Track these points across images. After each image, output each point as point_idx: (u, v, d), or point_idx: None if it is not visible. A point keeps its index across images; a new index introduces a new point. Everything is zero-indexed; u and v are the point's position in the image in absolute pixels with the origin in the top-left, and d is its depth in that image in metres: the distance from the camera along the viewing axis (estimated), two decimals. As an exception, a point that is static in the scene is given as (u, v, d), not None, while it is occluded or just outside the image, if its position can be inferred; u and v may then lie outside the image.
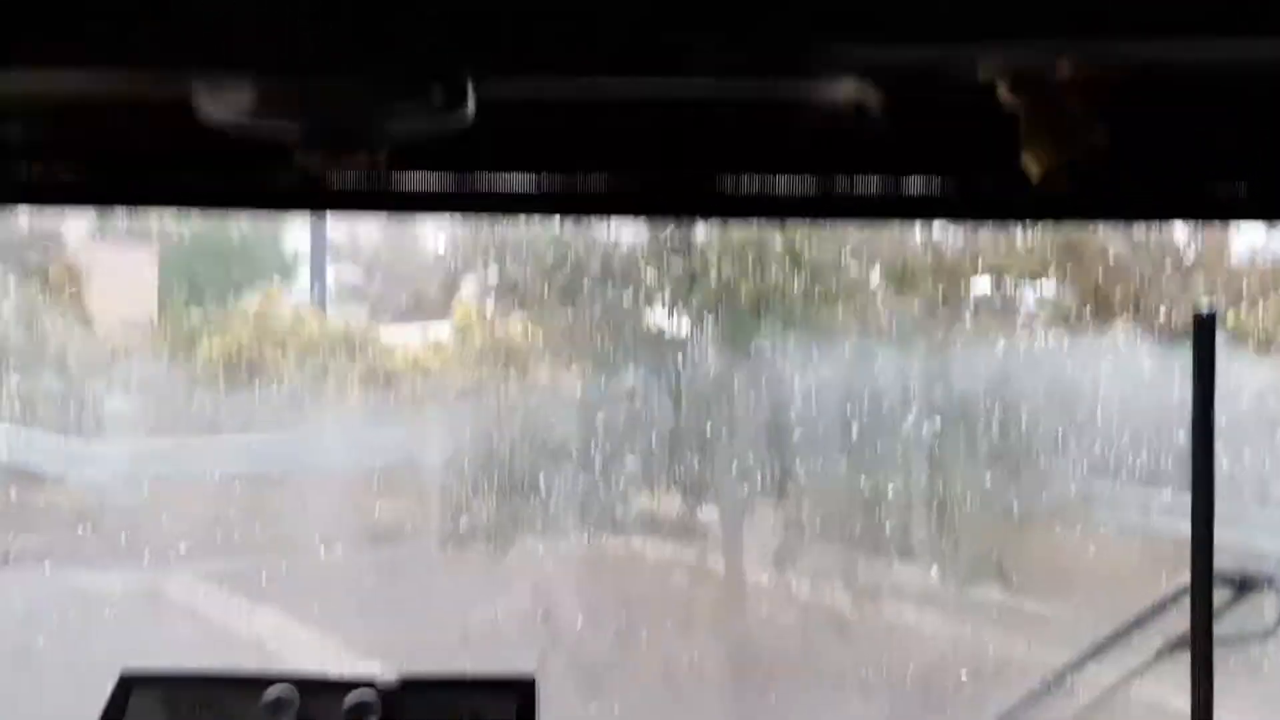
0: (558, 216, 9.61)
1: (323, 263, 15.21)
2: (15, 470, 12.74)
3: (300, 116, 1.47)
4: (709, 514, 12.40)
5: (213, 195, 1.98)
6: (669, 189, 1.92)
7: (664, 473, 12.22)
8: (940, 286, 12.78)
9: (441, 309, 13.84)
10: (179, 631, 11.89)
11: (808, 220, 10.17)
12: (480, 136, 1.60)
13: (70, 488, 12.80)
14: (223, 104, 1.45)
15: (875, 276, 13.09)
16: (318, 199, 2.02)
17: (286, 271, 16.05)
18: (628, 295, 12.68)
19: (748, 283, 12.30)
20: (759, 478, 11.94)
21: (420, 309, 14.29)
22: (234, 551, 12.17)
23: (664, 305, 12.81)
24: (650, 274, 12.88)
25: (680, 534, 12.25)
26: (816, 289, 12.48)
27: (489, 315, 13.45)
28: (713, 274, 12.44)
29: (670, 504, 12.35)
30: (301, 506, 12.36)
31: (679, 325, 12.75)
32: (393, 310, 14.83)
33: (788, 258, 12.41)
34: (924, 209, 1.86)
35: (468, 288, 13.84)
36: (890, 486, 11.52)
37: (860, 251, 12.86)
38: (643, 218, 10.36)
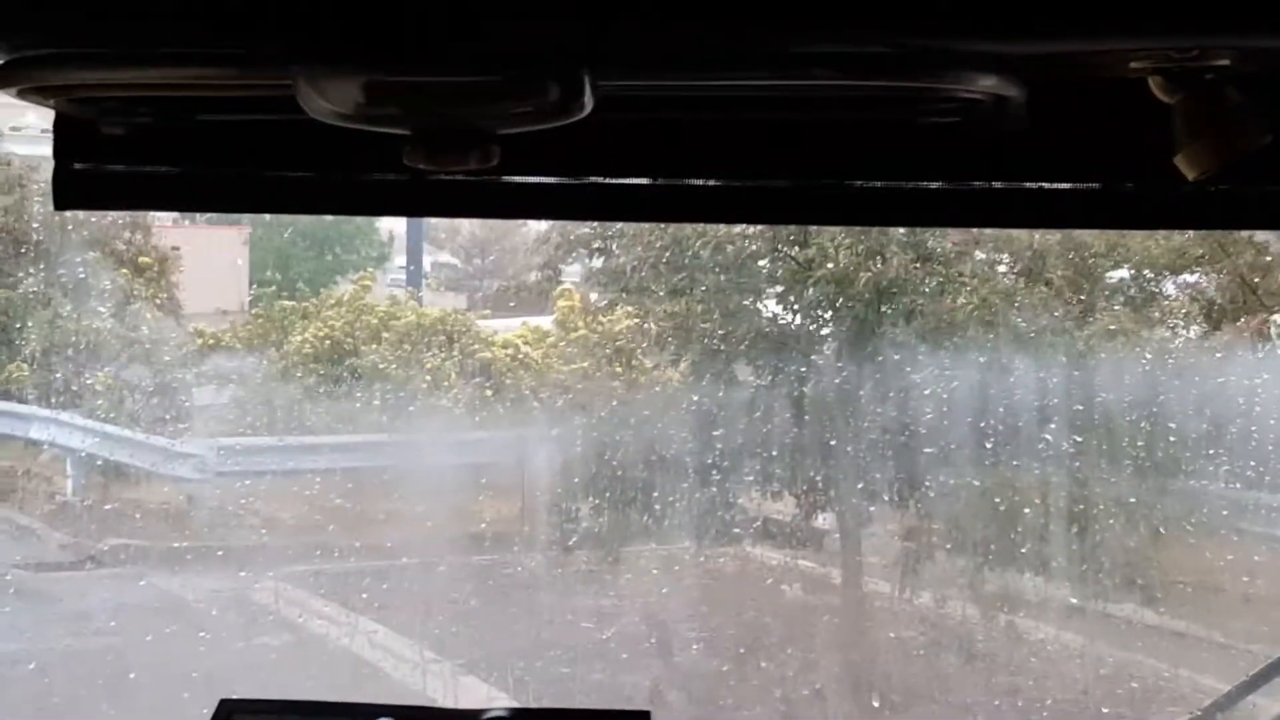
0: (671, 220, 9.10)
1: (419, 248, 14.66)
2: (103, 467, 12.31)
3: (409, 114, 1.41)
4: (828, 522, 11.71)
5: (315, 195, 1.93)
6: (793, 193, 1.84)
7: (780, 478, 11.54)
8: (1073, 275, 11.97)
9: (542, 298, 13.22)
10: (269, 640, 11.39)
11: (941, 225, 9.52)
12: (593, 136, 1.55)
13: (158, 486, 12.36)
14: (327, 100, 1.39)
15: (1003, 265, 12.32)
16: (425, 200, 1.97)
17: (381, 256, 15.54)
18: (741, 286, 11.98)
19: (867, 273, 11.55)
20: (883, 486, 11.23)
21: (520, 297, 13.67)
22: (327, 556, 11.66)
23: (779, 297, 12.10)
24: (764, 264, 12.19)
25: (798, 543, 11.57)
26: (940, 279, 11.71)
27: (593, 306, 12.82)
28: (830, 264, 11.71)
29: (787, 511, 11.67)
30: (399, 509, 11.80)
31: (795, 318, 12.04)
32: (491, 298, 14.24)
33: (910, 246, 11.65)
34: (1068, 214, 1.79)
35: (570, 276, 13.20)
36: (1026, 496, 10.76)
37: (986, 238, 12.08)
38: (765, 224, 9.69)
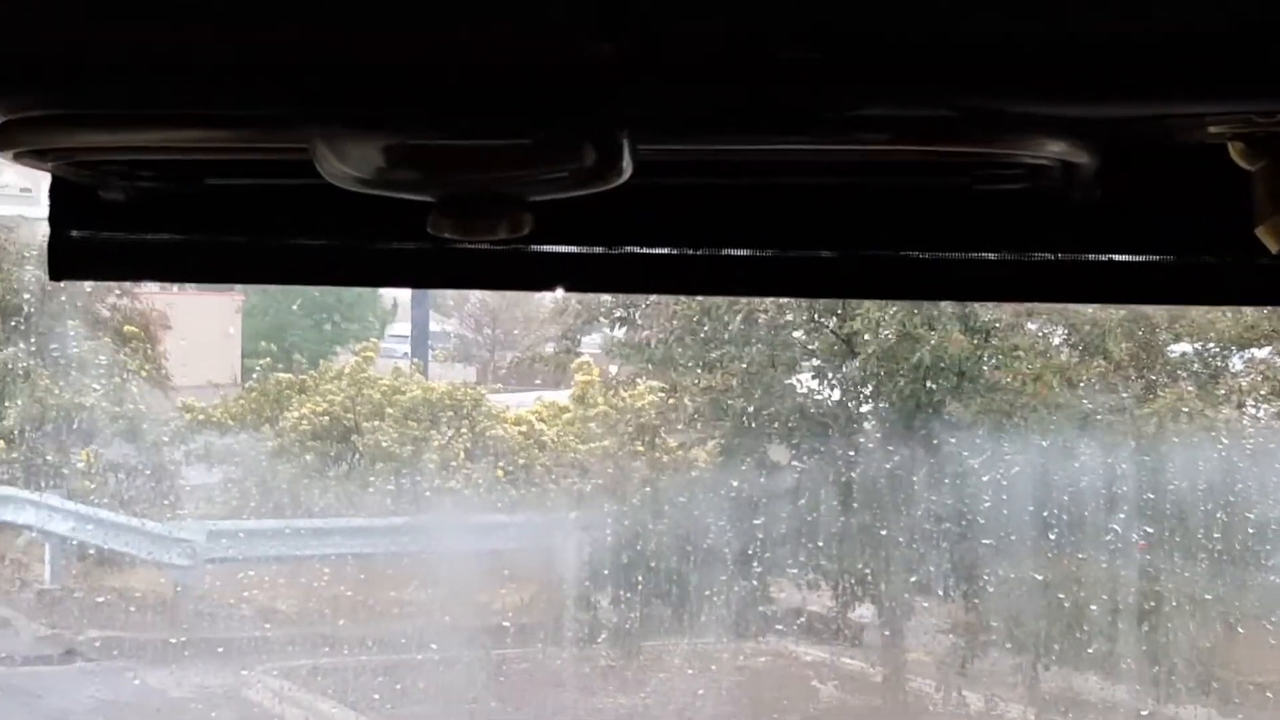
0: (713, 294, 8.49)
1: (425, 316, 13.84)
2: (86, 552, 11.45)
3: (434, 179, 1.29)
4: (868, 616, 10.84)
5: (331, 265, 1.74)
6: (843, 265, 1.68)
7: (818, 568, 10.69)
8: (1134, 348, 11.18)
9: (559, 371, 12.39)
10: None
11: (1002, 300, 8.89)
12: (630, 203, 1.42)
13: (145, 573, 11.49)
14: (346, 164, 1.28)
15: (1058, 338, 11.52)
16: (449, 271, 1.79)
17: (383, 323, 14.73)
18: (775, 360, 11.17)
19: (913, 346, 10.75)
20: (931, 577, 10.39)
21: (534, 371, 12.84)
22: (329, 649, 10.80)
23: (816, 372, 11.29)
24: (800, 335, 11.39)
25: (837, 638, 10.70)
26: (993, 353, 10.91)
27: (613, 380, 11.99)
28: (871, 336, 10.91)
29: (824, 604, 10.81)
30: (407, 599, 10.97)
31: (833, 395, 11.22)
32: (503, 372, 13.40)
33: (959, 318, 10.86)
34: (1140, 289, 1.66)
35: (589, 347, 12.39)
36: (1086, 587, 9.93)
37: (1040, 309, 11.28)
38: (812, 297, 9.01)
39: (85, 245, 1.79)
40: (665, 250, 1.71)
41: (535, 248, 1.68)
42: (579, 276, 1.86)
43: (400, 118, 1.28)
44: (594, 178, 1.30)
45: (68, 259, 1.80)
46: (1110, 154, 1.37)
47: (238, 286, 13.97)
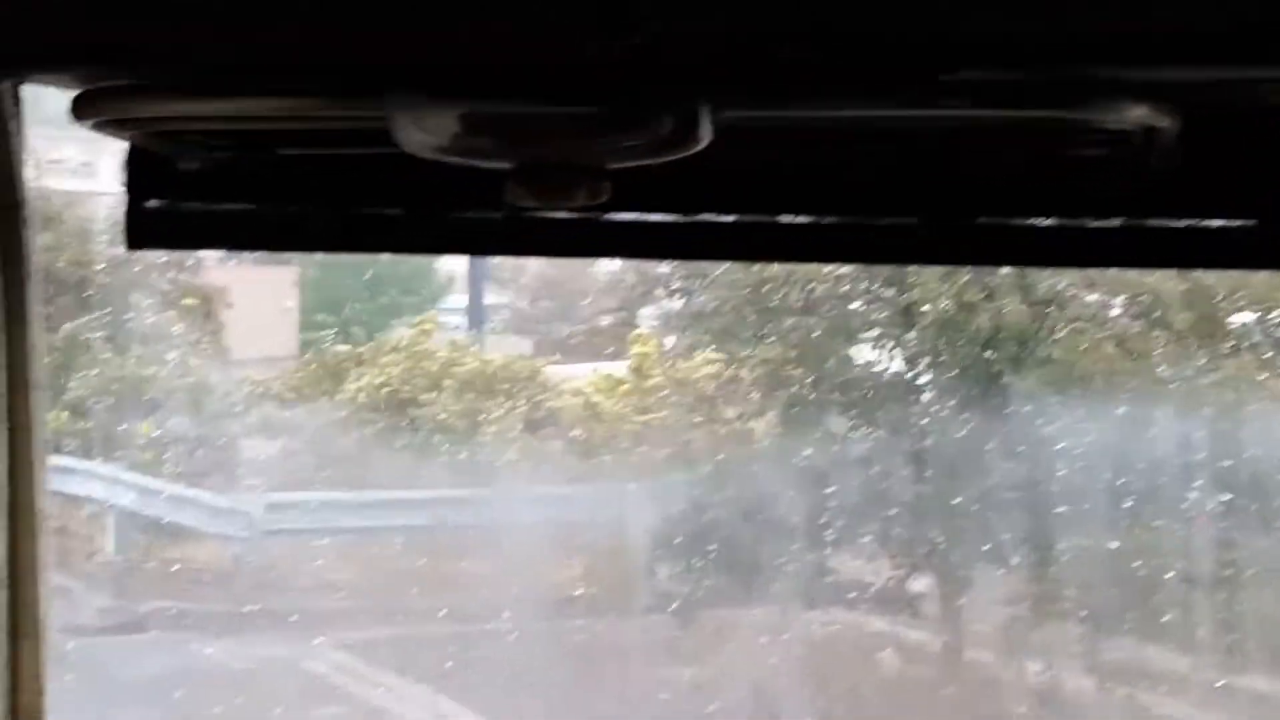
0: (792, 261, 8.48)
1: (481, 287, 13.85)
2: (149, 525, 11.53)
3: (511, 147, 1.30)
4: (927, 584, 10.80)
5: (407, 234, 1.80)
6: (922, 232, 1.67)
7: (881, 539, 10.66)
8: (1195, 318, 11.08)
9: (616, 342, 12.37)
10: (323, 713, 10.56)
11: (1081, 266, 8.84)
12: (707, 170, 1.44)
13: (206, 545, 11.57)
14: (424, 132, 1.29)
15: (1116, 308, 11.43)
16: (524, 239, 1.81)
17: (439, 295, 14.75)
18: (832, 330, 11.13)
19: (973, 316, 10.69)
20: (992, 546, 10.33)
21: (591, 343, 12.83)
22: (386, 621, 10.84)
23: (874, 342, 11.24)
24: (857, 306, 11.34)
25: (898, 607, 10.67)
26: (1051, 323, 10.84)
27: (671, 351, 11.97)
28: (930, 306, 10.85)
29: (884, 573, 10.77)
30: (464, 569, 11.00)
31: (892, 366, 11.17)
32: (560, 343, 13.40)
33: (1018, 288, 10.78)
34: (1223, 254, 1.62)
35: (645, 319, 12.37)
36: (1154, 556, 9.86)
37: (1099, 279, 11.19)
38: (892, 264, 8.97)
39: (161, 215, 1.83)
40: (741, 218, 1.71)
41: (609, 216, 1.70)
42: (654, 244, 1.83)
43: (479, 86, 1.27)
44: (672, 145, 1.30)
45: (144, 228, 1.86)
46: (1193, 118, 1.36)
47: (295, 260, 14.00)
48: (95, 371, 11.27)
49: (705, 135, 1.30)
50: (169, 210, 1.84)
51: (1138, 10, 1.21)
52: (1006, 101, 1.31)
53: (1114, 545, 9.99)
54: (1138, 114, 1.32)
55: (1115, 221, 1.63)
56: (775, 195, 1.70)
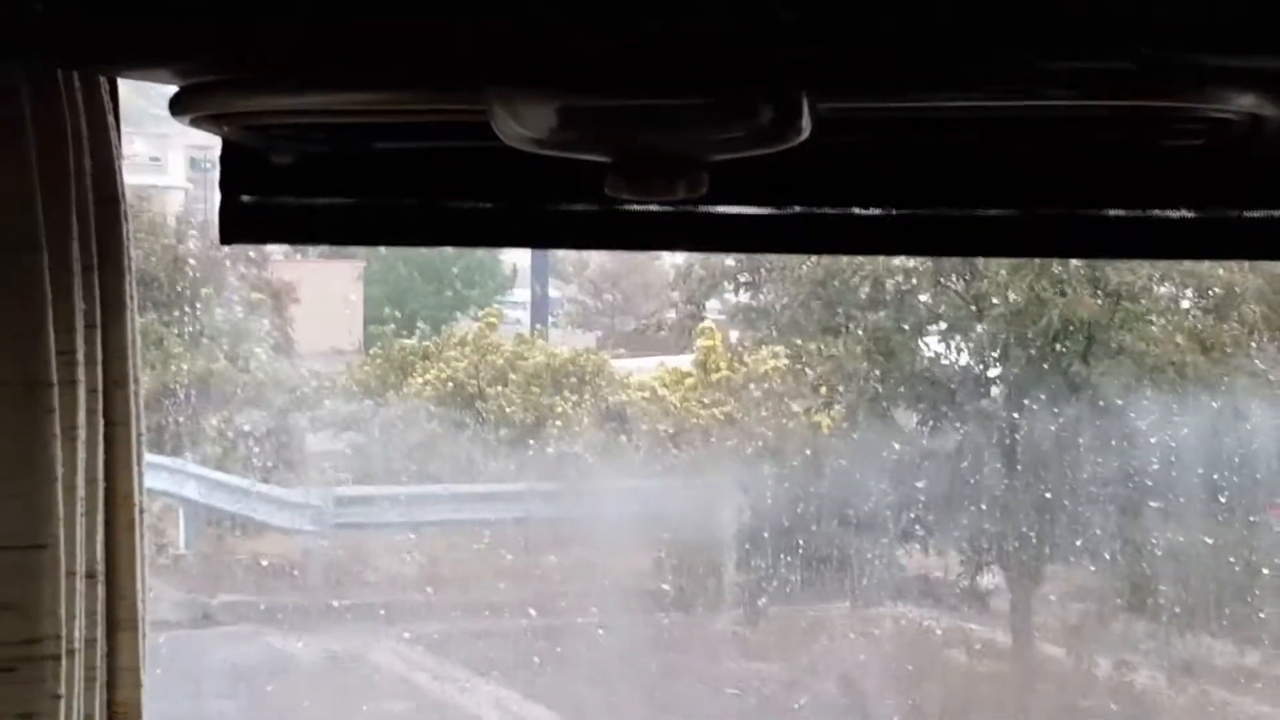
0: (887, 253, 8.45)
1: (545, 282, 13.87)
2: (218, 518, 11.59)
3: (611, 140, 1.29)
4: (997, 580, 10.72)
5: (502, 226, 1.79)
6: (1022, 223, 1.65)
7: (946, 532, 10.59)
8: (1265, 311, 10.95)
9: (684, 336, 12.34)
10: (391, 706, 10.59)
11: (1182, 258, 8.76)
12: (801, 163, 1.41)
13: (274, 538, 11.62)
14: (522, 124, 1.26)
15: (1187, 300, 11.31)
16: (620, 232, 1.80)
17: (502, 288, 14.77)
18: (901, 324, 11.06)
19: (1042, 309, 10.60)
20: (1063, 541, 10.24)
21: (656, 337, 12.81)
22: (455, 614, 10.85)
23: (943, 336, 11.17)
24: (925, 298, 11.27)
25: (969, 603, 10.59)
26: (1122, 315, 10.73)
27: (738, 345, 11.93)
28: (1000, 299, 10.77)
29: (954, 569, 10.70)
30: (532, 564, 10.98)
31: (960, 359, 11.09)
32: (624, 337, 13.39)
33: (1090, 280, 10.68)
34: None
35: (711, 313, 12.33)
36: (1225, 552, 9.75)
37: (1171, 271, 11.08)
38: (993, 256, 8.91)
39: (255, 209, 1.84)
40: (837, 210, 1.69)
41: (703, 208, 1.68)
42: (748, 237, 1.83)
43: (576, 79, 1.25)
44: (773, 137, 1.29)
45: (238, 222, 1.87)
46: None
47: (359, 253, 14.05)
48: (167, 365, 11.34)
49: (806, 127, 1.28)
50: (263, 205, 1.84)
51: None
52: (1112, 91, 1.28)
53: (1194, 539, 9.89)
54: (1244, 102, 1.29)
55: (1215, 212, 1.60)
56: (868, 188, 1.68)
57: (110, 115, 1.77)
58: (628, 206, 1.66)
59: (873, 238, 1.81)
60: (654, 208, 1.70)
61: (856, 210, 1.69)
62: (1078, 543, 10.19)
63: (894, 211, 1.69)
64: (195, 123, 1.55)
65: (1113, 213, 1.64)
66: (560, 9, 1.25)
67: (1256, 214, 1.61)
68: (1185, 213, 1.62)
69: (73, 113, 1.69)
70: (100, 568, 1.89)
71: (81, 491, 1.83)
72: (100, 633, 1.90)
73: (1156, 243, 1.71)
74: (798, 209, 1.71)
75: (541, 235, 2.02)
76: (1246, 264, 10.29)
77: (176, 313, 11.65)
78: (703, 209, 1.70)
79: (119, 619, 1.93)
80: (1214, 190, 1.60)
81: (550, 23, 1.25)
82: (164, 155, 12.52)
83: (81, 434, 1.82)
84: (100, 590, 1.89)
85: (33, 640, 1.75)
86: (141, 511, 1.96)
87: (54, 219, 1.72)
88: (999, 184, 1.65)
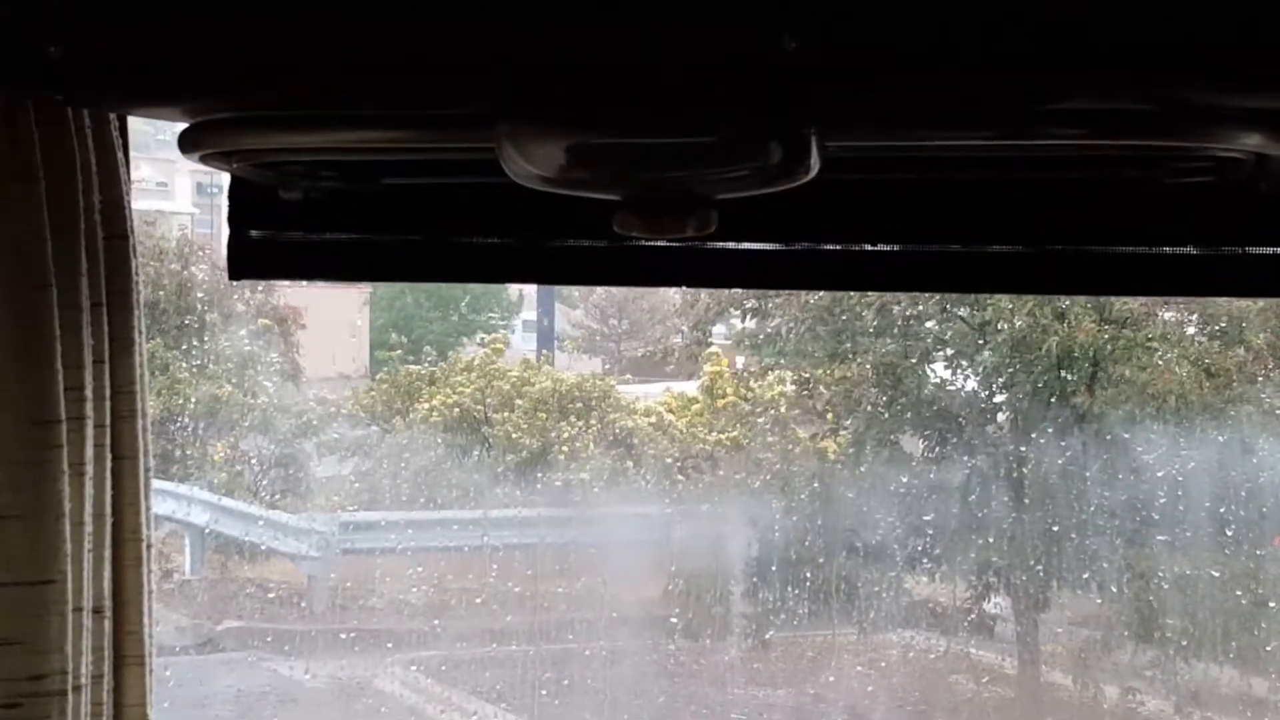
0: (896, 290, 8.44)
1: (551, 307, 13.88)
2: (221, 543, 11.58)
3: (620, 178, 1.29)
4: (1001, 607, 10.70)
5: (511, 263, 1.78)
6: (1030, 260, 1.66)
7: (951, 558, 10.57)
8: (1270, 339, 10.94)
9: (690, 362, 12.34)
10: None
11: (1188, 295, 8.78)
12: (810, 200, 1.42)
13: (280, 564, 11.60)
14: (532, 162, 1.27)
15: (1191, 326, 11.30)
16: (628, 269, 1.81)
17: (508, 314, 14.79)
18: (907, 350, 11.06)
19: (1045, 336, 10.60)
20: (1067, 568, 10.22)
21: (662, 362, 12.80)
22: (459, 641, 10.83)
23: (949, 362, 11.16)
24: (932, 325, 11.26)
25: (975, 630, 10.57)
26: (1125, 343, 10.72)
27: (744, 371, 11.93)
28: (1005, 326, 10.77)
29: (960, 595, 10.67)
30: (538, 589, 10.95)
31: (967, 385, 11.08)
32: (631, 362, 13.39)
33: (1094, 308, 10.68)
34: None
35: (717, 339, 12.33)
36: (1232, 582, 9.73)
37: (1175, 299, 11.07)
38: (999, 292, 8.93)
39: (264, 245, 1.84)
40: (844, 247, 1.70)
41: (712, 244, 1.69)
42: (756, 273, 1.83)
43: (588, 117, 1.26)
44: (782, 175, 1.29)
45: (247, 258, 1.86)
46: None
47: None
48: (172, 392, 11.34)
49: (814, 165, 1.29)
50: (272, 240, 1.84)
51: (1255, 39, 1.19)
52: (1121, 131, 1.29)
53: (1193, 569, 9.87)
54: (1251, 141, 1.30)
55: (1221, 249, 1.61)
56: (876, 225, 1.69)
57: (120, 153, 1.77)
58: (636, 242, 1.68)
59: (881, 274, 1.81)
60: (662, 243, 1.71)
61: (865, 247, 1.71)
62: (1081, 569, 10.17)
63: (902, 248, 1.70)
64: (205, 159, 1.56)
65: (1120, 249, 1.65)
66: (569, 49, 1.26)
67: (1262, 250, 1.62)
68: (1191, 249, 1.63)
69: (83, 150, 1.69)
70: (107, 603, 1.89)
71: (89, 527, 1.82)
72: (107, 668, 1.89)
73: (1163, 279, 1.70)
74: (806, 245, 1.72)
75: (550, 271, 1.99)
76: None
77: (183, 340, 11.65)
78: (711, 245, 1.71)
79: (126, 655, 1.93)
80: (1220, 227, 1.61)
81: (559, 62, 1.26)
82: (170, 180, 12.56)
83: (89, 469, 1.82)
84: (107, 626, 1.89)
85: (39, 676, 1.75)
86: (149, 546, 1.96)
87: (63, 256, 1.73)
88: (1007, 221, 1.67)
